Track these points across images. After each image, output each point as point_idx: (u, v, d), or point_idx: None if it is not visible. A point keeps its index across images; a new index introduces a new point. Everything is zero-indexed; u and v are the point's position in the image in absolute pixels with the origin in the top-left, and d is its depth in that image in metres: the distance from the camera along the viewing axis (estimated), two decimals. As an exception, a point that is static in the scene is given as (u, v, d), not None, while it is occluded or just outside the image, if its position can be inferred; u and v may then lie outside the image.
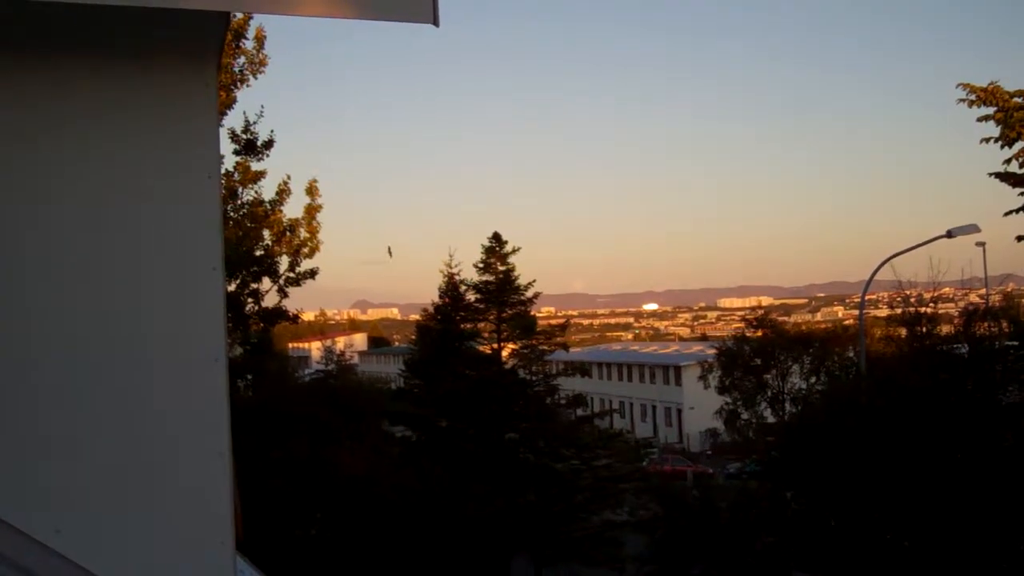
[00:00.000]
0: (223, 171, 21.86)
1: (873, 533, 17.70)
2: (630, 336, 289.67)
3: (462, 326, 32.65)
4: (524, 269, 39.67)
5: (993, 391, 17.70)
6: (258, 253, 23.13)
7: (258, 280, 23.25)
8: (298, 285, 23.74)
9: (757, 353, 44.23)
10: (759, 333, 45.84)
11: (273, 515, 20.98)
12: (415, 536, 22.93)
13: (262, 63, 21.71)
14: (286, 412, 26.18)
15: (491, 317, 32.51)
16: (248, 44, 21.59)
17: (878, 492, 16.79)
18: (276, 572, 14.87)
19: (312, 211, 23.84)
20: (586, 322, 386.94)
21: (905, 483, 16.30)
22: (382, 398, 41.37)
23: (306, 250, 23.72)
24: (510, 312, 32.27)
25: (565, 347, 36.30)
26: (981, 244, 44.32)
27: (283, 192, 23.49)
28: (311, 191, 23.89)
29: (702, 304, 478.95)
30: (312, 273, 23.92)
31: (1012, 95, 19.32)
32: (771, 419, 41.35)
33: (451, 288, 32.72)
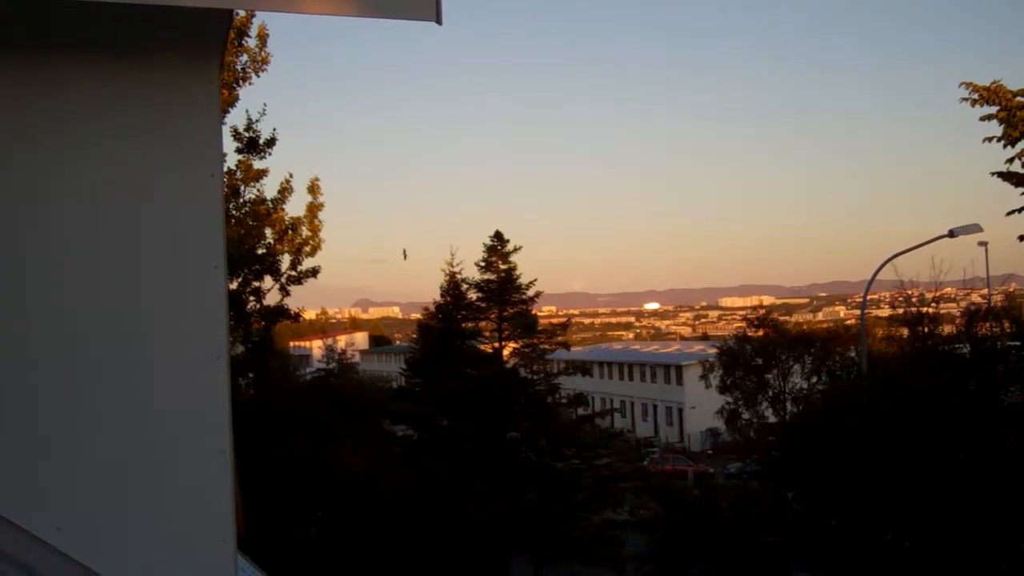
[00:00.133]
0: (225, 169, 21.95)
1: (874, 533, 17.70)
2: (631, 335, 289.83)
3: (463, 325, 32.68)
4: (525, 268, 39.59)
5: (995, 391, 17.70)
6: (260, 251, 23.13)
7: (260, 278, 23.26)
8: (300, 283, 23.77)
9: (758, 353, 44.23)
10: (760, 333, 45.84)
11: (274, 514, 21.00)
12: (416, 535, 22.95)
13: (264, 61, 21.73)
14: (287, 411, 26.20)
15: (492, 316, 32.53)
16: (250, 42, 21.61)
17: (879, 492, 16.79)
18: (277, 571, 14.87)
19: (314, 209, 23.85)
20: (587, 321, 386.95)
21: (906, 483, 16.29)
22: (383, 397, 41.40)
23: (308, 248, 23.73)
24: (511, 311, 32.29)
25: (566, 346, 36.34)
26: (983, 244, 44.27)
27: (285, 190, 23.50)
28: (313, 189, 23.89)
29: (703, 303, 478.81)
30: (314, 271, 23.93)
31: (1015, 94, 19.27)
32: (772, 419, 41.36)
33: (452, 287, 32.74)
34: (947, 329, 20.78)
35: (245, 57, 21.49)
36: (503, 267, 32.01)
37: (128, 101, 3.14)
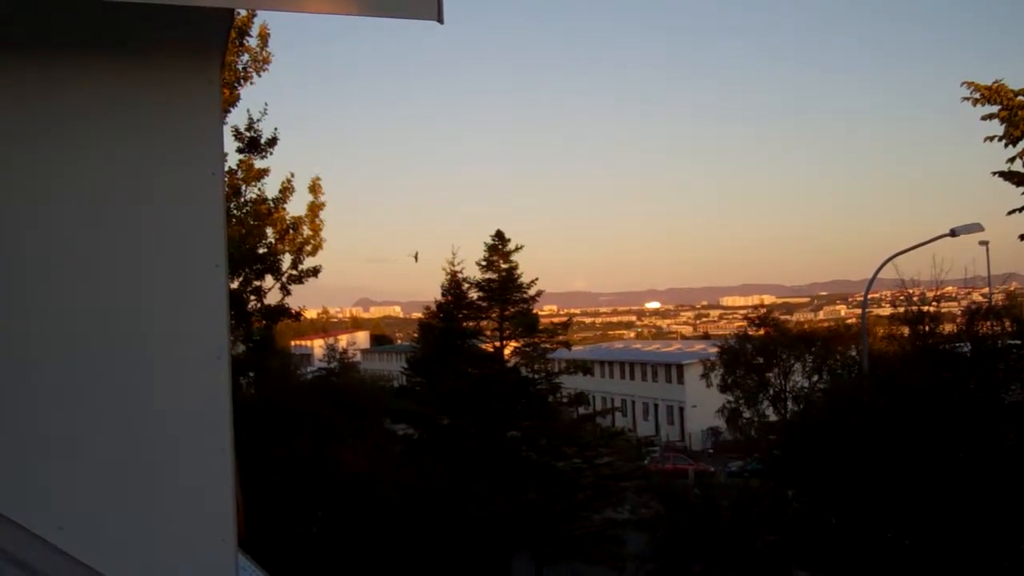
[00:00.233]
0: (226, 169, 21.95)
1: (874, 532, 17.70)
2: (632, 334, 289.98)
3: (464, 324, 32.68)
4: (526, 267, 39.65)
5: (996, 390, 17.69)
6: (261, 251, 23.12)
7: (261, 278, 23.26)
8: (301, 283, 23.76)
9: (759, 352, 44.28)
10: (761, 332, 45.90)
11: (275, 513, 21.00)
12: (417, 534, 22.95)
13: (266, 61, 21.73)
14: (288, 410, 26.19)
15: (493, 315, 32.53)
16: (252, 42, 21.61)
17: (880, 491, 16.78)
18: (278, 570, 14.88)
19: (315, 209, 23.85)
20: (588, 320, 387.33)
21: (907, 482, 16.29)
22: (384, 396, 41.40)
23: (309, 248, 23.72)
24: (512, 310, 32.29)
25: (567, 345, 36.34)
26: (984, 243, 44.19)
27: (286, 190, 23.50)
28: (314, 189, 23.89)
29: (704, 302, 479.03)
30: (315, 271, 23.93)
31: (1016, 93, 19.27)
32: (773, 418, 41.42)
33: (454, 286, 32.74)
34: (948, 328, 20.76)
35: (246, 57, 21.49)
36: (504, 266, 32.01)
37: (129, 100, 3.14)
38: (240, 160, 22.59)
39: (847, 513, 18.13)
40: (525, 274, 32.35)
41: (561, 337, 34.73)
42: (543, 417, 31.30)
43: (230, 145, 22.12)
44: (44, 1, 2.90)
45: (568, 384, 35.02)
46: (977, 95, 19.55)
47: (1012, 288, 33.56)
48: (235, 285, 22.02)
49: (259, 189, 23.16)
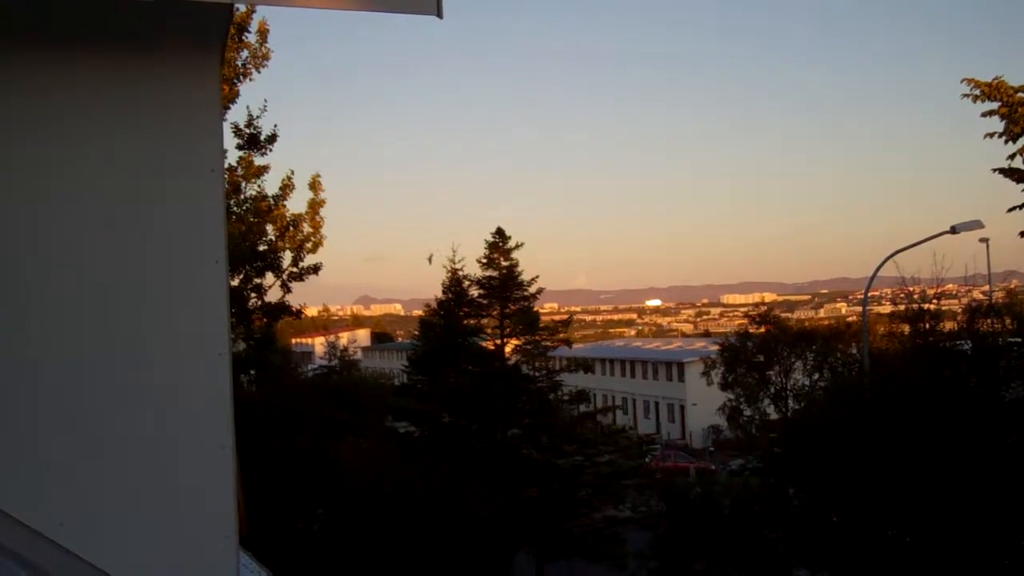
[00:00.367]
0: (226, 166, 21.96)
1: (875, 529, 17.69)
2: (633, 332, 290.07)
3: (465, 322, 32.67)
4: (527, 265, 39.81)
5: (996, 388, 17.67)
6: (261, 248, 23.15)
7: (261, 275, 23.29)
8: (301, 280, 23.80)
9: (760, 349, 44.20)
10: (762, 329, 45.81)
11: (276, 510, 21.00)
12: (418, 532, 22.94)
13: (265, 57, 21.75)
14: (289, 408, 26.19)
15: (494, 313, 32.53)
16: (251, 38, 21.63)
17: (880, 489, 16.78)
18: (279, 567, 14.88)
19: (315, 206, 23.87)
20: (589, 318, 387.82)
21: (907, 480, 16.28)
22: (385, 394, 41.42)
23: (309, 245, 23.76)
24: (513, 308, 32.29)
25: (568, 343, 36.34)
26: (985, 240, 44.17)
27: (286, 187, 23.53)
28: (314, 186, 23.91)
29: (705, 300, 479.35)
30: (315, 268, 23.96)
31: (1016, 90, 19.28)
32: (774, 415, 41.32)
33: (454, 284, 32.72)
34: (948, 325, 20.72)
35: (246, 53, 21.52)
36: (505, 264, 32.00)
37: (128, 96, 3.14)
38: (240, 157, 22.63)
39: (848, 511, 18.12)
40: (526, 272, 32.39)
41: (562, 335, 34.72)
42: (544, 415, 31.32)
43: (230, 142, 22.17)
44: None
45: (569, 382, 35.03)
46: (977, 92, 19.56)
47: (1013, 285, 33.52)
48: (236, 282, 22.04)
49: (259, 186, 23.22)
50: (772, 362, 43.76)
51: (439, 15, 2.94)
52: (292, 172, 23.67)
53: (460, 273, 32.67)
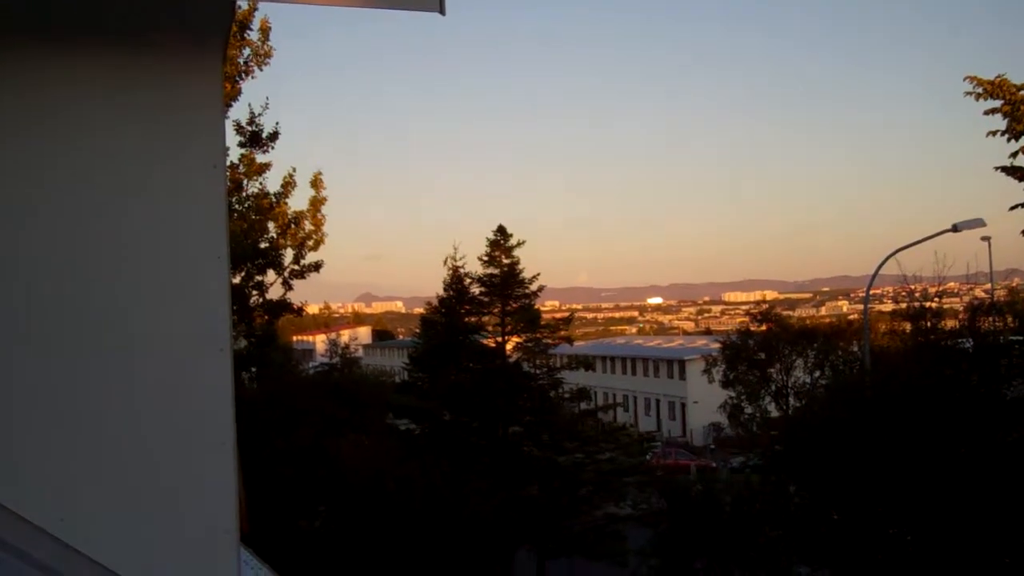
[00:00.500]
0: (228, 163, 21.95)
1: (876, 527, 17.69)
2: (634, 330, 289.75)
3: (466, 319, 32.67)
4: (528, 263, 39.70)
5: (998, 386, 17.67)
6: (263, 245, 23.15)
7: (263, 272, 23.29)
8: (303, 278, 23.79)
9: (761, 347, 44.22)
10: (763, 327, 45.82)
11: (278, 508, 21.02)
12: (419, 529, 22.95)
13: (267, 55, 21.74)
14: (290, 405, 26.22)
15: (495, 310, 32.53)
16: (253, 35, 21.62)
17: (881, 487, 16.78)
18: (280, 564, 14.88)
19: (317, 204, 23.86)
20: (590, 316, 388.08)
21: (908, 478, 16.28)
22: (386, 391, 41.48)
23: (311, 243, 23.75)
24: (514, 305, 32.29)
25: (569, 341, 36.33)
26: (987, 239, 44.11)
27: (288, 184, 23.52)
28: (316, 184, 23.90)
29: (706, 298, 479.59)
30: (317, 266, 23.95)
31: (1019, 88, 19.27)
32: (775, 413, 41.33)
33: (455, 281, 32.72)
34: (950, 324, 20.72)
35: (248, 51, 21.50)
36: (506, 261, 32.00)
37: (131, 93, 3.14)
38: (242, 154, 22.63)
39: (849, 509, 18.12)
40: (527, 269, 32.39)
41: (563, 332, 34.70)
42: (545, 412, 31.32)
43: (232, 139, 22.16)
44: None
45: (570, 379, 35.04)
46: (980, 90, 19.55)
47: (1014, 284, 33.61)
48: (237, 280, 22.05)
49: (261, 184, 23.20)
50: (773, 360, 43.78)
51: (442, 12, 2.94)
52: (294, 170, 23.68)
53: (461, 271, 32.70)
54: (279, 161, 26.20)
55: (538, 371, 32.69)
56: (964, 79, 19.84)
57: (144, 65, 3.14)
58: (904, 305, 21.95)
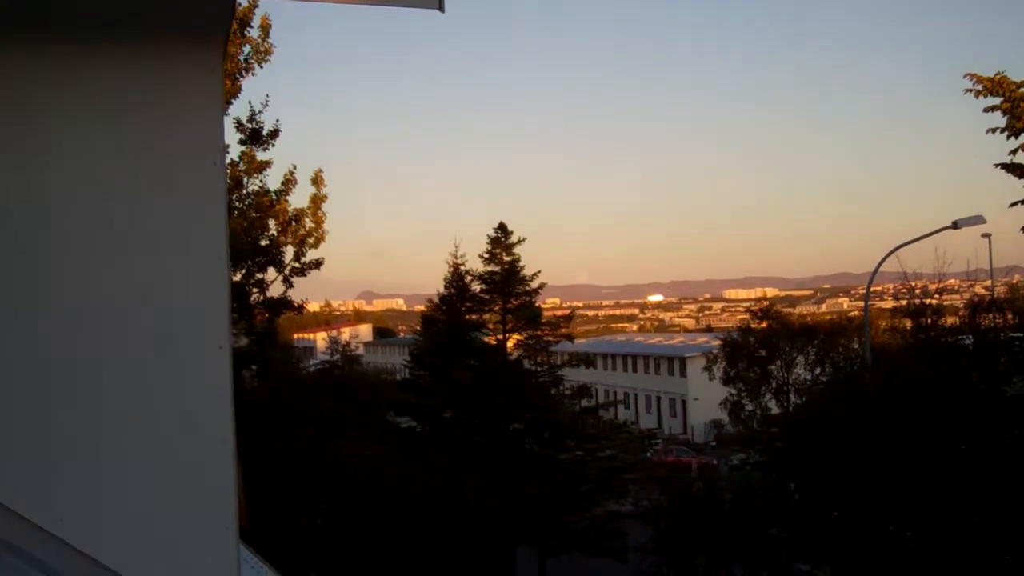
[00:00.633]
0: (228, 161, 21.97)
1: (876, 524, 17.71)
2: (635, 327, 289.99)
3: (467, 317, 32.72)
4: (529, 260, 39.75)
5: (998, 383, 17.69)
6: (263, 243, 23.16)
7: (263, 270, 23.30)
8: (303, 275, 23.80)
9: (762, 344, 44.28)
10: (764, 324, 45.87)
11: (278, 506, 21.03)
12: (419, 527, 22.97)
13: (267, 52, 21.74)
14: (291, 403, 26.23)
15: (496, 308, 32.57)
16: (253, 32, 21.62)
17: (882, 483, 16.79)
18: (281, 562, 14.90)
19: (317, 201, 23.86)
20: (591, 313, 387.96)
21: (908, 474, 16.30)
22: (387, 389, 41.54)
23: (311, 240, 23.75)
24: (515, 303, 32.33)
25: (570, 338, 36.36)
26: (987, 235, 44.13)
27: (288, 182, 23.52)
28: (316, 181, 23.91)
29: (707, 295, 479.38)
30: (317, 263, 23.96)
31: (1018, 85, 19.29)
32: (775, 410, 41.38)
33: (456, 279, 32.76)
34: (950, 321, 20.75)
35: (248, 48, 21.51)
36: (507, 259, 32.04)
37: (128, 88, 3.13)
38: (242, 152, 22.63)
39: (849, 506, 18.14)
40: (528, 267, 32.42)
41: (564, 330, 34.74)
42: (546, 410, 31.37)
43: (232, 137, 22.16)
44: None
45: (571, 377, 35.09)
46: (979, 87, 19.57)
47: (1014, 280, 33.65)
48: (238, 278, 22.06)
49: (261, 181, 23.21)
50: (774, 357, 43.85)
51: (440, 9, 2.95)
52: (294, 167, 23.69)
53: (462, 268, 32.74)
54: (280, 158, 26.20)
55: (539, 368, 32.74)
56: (964, 76, 19.86)
57: (143, 61, 3.14)
58: (904, 302, 21.98)
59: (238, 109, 22.12)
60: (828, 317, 67.73)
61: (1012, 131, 19.51)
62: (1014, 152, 19.86)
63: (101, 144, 3.11)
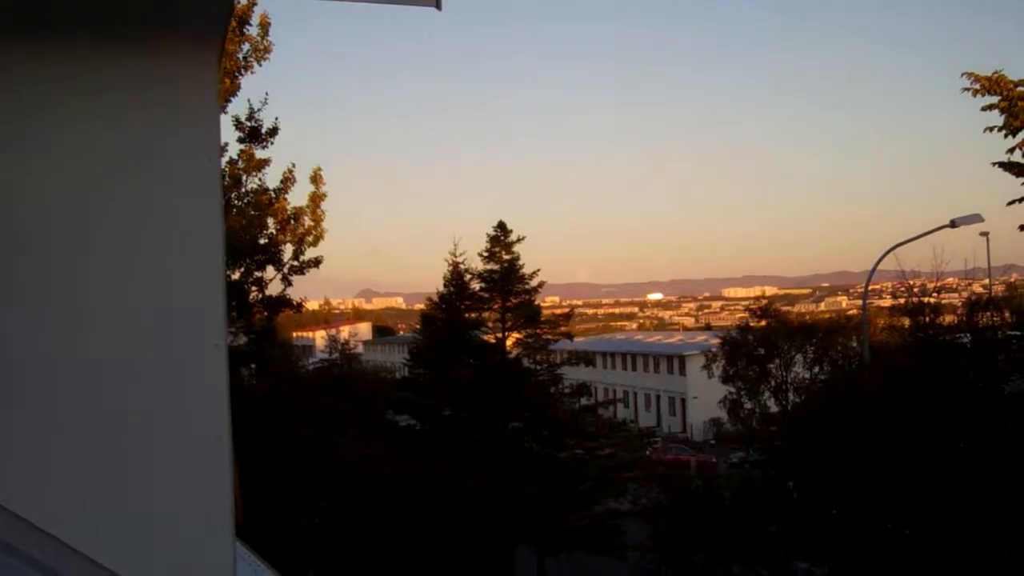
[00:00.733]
0: (227, 159, 21.97)
1: (874, 522, 17.72)
2: (634, 325, 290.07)
3: (467, 315, 32.70)
4: (529, 258, 39.83)
5: (995, 381, 17.69)
6: (262, 241, 23.12)
7: (262, 268, 23.26)
8: (302, 273, 23.76)
9: (761, 343, 44.24)
10: (763, 323, 45.83)
11: (276, 504, 21.01)
12: (418, 526, 22.95)
13: (266, 50, 21.70)
14: (290, 401, 26.20)
15: (496, 306, 32.56)
16: (252, 31, 21.59)
17: (880, 482, 16.80)
18: (279, 561, 14.90)
19: (316, 199, 23.83)
20: (591, 311, 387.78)
21: (907, 473, 16.31)
22: (386, 387, 41.52)
23: (310, 238, 23.71)
24: (515, 301, 32.32)
25: (569, 336, 36.35)
26: (984, 234, 44.15)
27: (287, 180, 23.49)
28: (315, 179, 23.87)
29: (706, 294, 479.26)
30: (316, 261, 23.93)
31: (1016, 84, 19.26)
32: (774, 408, 41.37)
33: (456, 277, 32.75)
34: (948, 319, 20.75)
35: (247, 46, 21.48)
36: (506, 257, 32.03)
37: (125, 84, 3.14)
38: (241, 150, 22.60)
39: (848, 504, 18.15)
40: (527, 265, 32.41)
41: (563, 328, 34.73)
42: (545, 408, 31.36)
43: (231, 135, 22.15)
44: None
45: (570, 375, 35.10)
46: (977, 86, 19.55)
47: (1012, 279, 33.63)
48: (236, 276, 22.03)
49: (260, 179, 23.16)
50: (773, 355, 43.81)
51: (438, 7, 2.96)
52: (293, 165, 23.66)
53: (462, 267, 32.73)
54: (279, 156, 26.22)
55: (538, 367, 32.74)
56: (962, 75, 19.85)
57: (140, 60, 3.14)
58: (903, 300, 21.97)
59: (237, 107, 22.13)
60: (827, 316, 67.71)
61: (1010, 129, 19.47)
62: (1012, 151, 19.83)
63: (98, 142, 3.12)
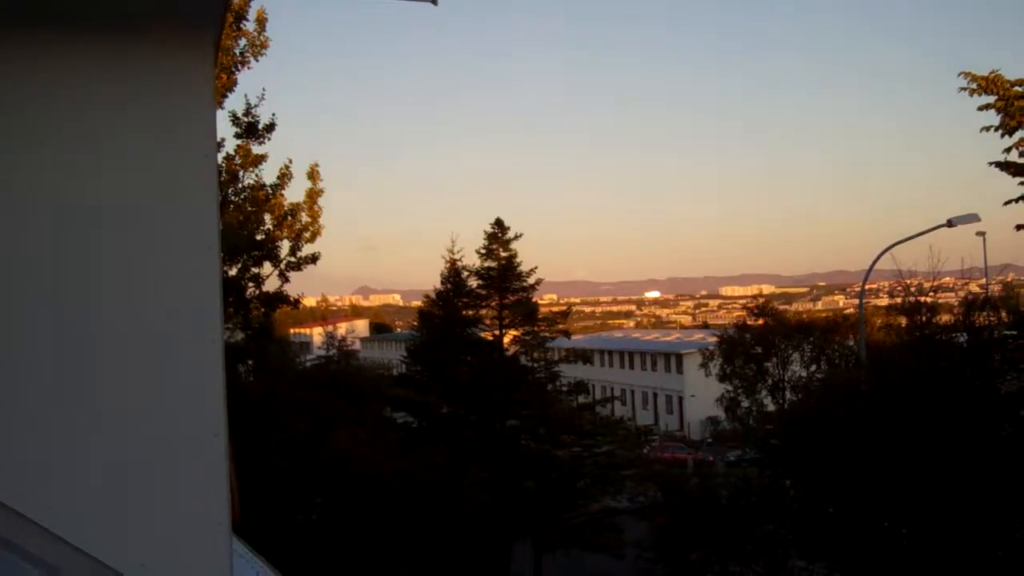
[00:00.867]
0: (224, 155, 21.91)
1: (871, 521, 17.72)
2: (632, 324, 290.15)
3: (464, 312, 32.65)
4: (527, 256, 39.80)
5: (992, 380, 17.70)
6: (259, 237, 23.04)
7: (259, 264, 23.18)
8: (299, 270, 23.67)
9: (758, 341, 44.33)
10: (760, 321, 45.92)
11: (274, 501, 21.03)
12: (416, 522, 22.99)
13: (263, 46, 21.63)
14: (287, 398, 26.20)
15: (493, 303, 32.53)
16: (249, 26, 21.54)
17: (876, 480, 16.81)
18: (277, 557, 14.91)
19: (314, 195, 23.75)
20: (588, 309, 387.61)
21: (903, 471, 16.32)
22: (383, 384, 41.49)
23: (307, 234, 23.63)
24: (512, 298, 32.28)
25: (567, 334, 36.32)
26: (981, 234, 44.21)
27: (284, 176, 23.40)
28: (313, 175, 23.80)
29: (704, 292, 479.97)
30: (313, 258, 23.85)
31: (1013, 84, 19.29)
32: (771, 407, 41.44)
33: (453, 274, 32.71)
34: (945, 318, 20.73)
35: (244, 41, 21.43)
36: (504, 255, 32.00)
37: (121, 82, 3.13)
38: (238, 146, 22.52)
39: (845, 502, 18.16)
40: (525, 263, 32.37)
41: (561, 326, 34.69)
42: (542, 406, 31.33)
43: (228, 131, 22.08)
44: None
45: (567, 373, 35.04)
46: (974, 85, 19.57)
47: (1009, 278, 33.67)
48: (233, 272, 21.97)
49: (257, 175, 23.07)
50: (770, 354, 43.91)
51: (434, 2, 2.95)
52: (290, 161, 23.57)
53: (459, 264, 32.69)
54: (276, 152, 26.17)
55: (536, 364, 32.71)
56: (958, 75, 19.87)
57: (136, 54, 3.14)
58: (899, 299, 21.95)
59: (234, 103, 22.03)
60: (824, 314, 67.86)
61: (1006, 129, 19.50)
62: (1008, 150, 19.86)
63: (90, 137, 3.11)
